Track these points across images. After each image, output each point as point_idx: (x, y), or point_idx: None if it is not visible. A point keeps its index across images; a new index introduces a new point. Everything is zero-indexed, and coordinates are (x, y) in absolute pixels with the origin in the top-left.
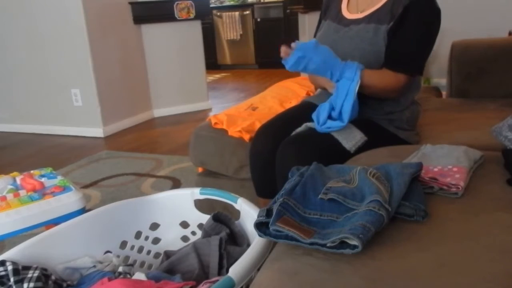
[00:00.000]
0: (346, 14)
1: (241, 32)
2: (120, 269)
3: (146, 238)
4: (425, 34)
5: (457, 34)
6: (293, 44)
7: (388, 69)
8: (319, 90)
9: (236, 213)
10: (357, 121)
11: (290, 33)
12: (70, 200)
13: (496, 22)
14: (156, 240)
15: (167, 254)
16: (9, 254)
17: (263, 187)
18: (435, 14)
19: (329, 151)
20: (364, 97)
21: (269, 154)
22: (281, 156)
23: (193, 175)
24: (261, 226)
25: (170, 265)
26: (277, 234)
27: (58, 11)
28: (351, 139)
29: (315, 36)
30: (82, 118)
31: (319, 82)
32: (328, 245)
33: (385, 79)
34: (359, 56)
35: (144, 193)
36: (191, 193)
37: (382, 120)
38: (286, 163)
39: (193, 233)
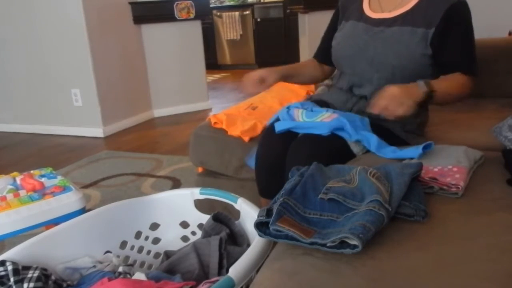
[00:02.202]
0: (371, 13)
1: (241, 32)
2: (120, 269)
3: (146, 238)
4: (472, 35)
5: None
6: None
7: (456, 73)
8: (321, 87)
9: (236, 213)
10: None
11: (290, 33)
12: (70, 200)
13: (496, 22)
14: (156, 240)
15: (167, 254)
16: (9, 254)
17: (268, 187)
18: (470, 15)
19: (340, 152)
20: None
21: (277, 153)
22: (293, 156)
23: (193, 175)
24: (261, 226)
25: (170, 265)
26: (277, 234)
27: (58, 11)
28: (360, 143)
29: (326, 36)
30: (82, 118)
31: None
32: (328, 245)
33: (457, 82)
34: (393, 59)
35: (144, 193)
36: (191, 193)
37: (394, 125)
38: (298, 163)
39: (193, 233)
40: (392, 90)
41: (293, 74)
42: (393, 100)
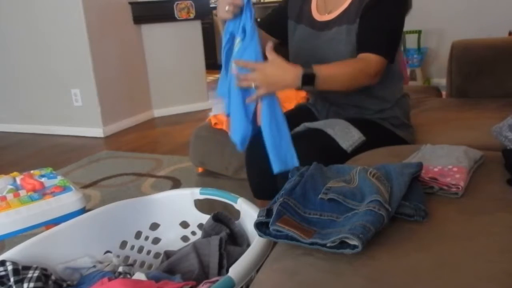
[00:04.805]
0: (316, 15)
1: None
2: (120, 269)
3: (146, 238)
4: (393, 21)
5: (457, 34)
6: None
7: (360, 53)
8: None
9: (236, 213)
10: (355, 121)
11: None
12: (70, 200)
13: (496, 22)
14: (156, 240)
15: (167, 254)
16: (9, 254)
17: (261, 189)
18: (398, 3)
19: (329, 150)
20: (345, 99)
21: (266, 156)
22: None
23: (193, 175)
24: (261, 226)
25: (170, 265)
26: (277, 234)
27: (58, 11)
28: (349, 138)
29: (267, 24)
30: (82, 118)
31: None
32: (328, 245)
33: (355, 65)
34: (336, 59)
35: (144, 193)
36: (191, 193)
37: (376, 120)
38: None
39: (193, 233)
40: (267, 69)
41: None
42: (263, 79)
